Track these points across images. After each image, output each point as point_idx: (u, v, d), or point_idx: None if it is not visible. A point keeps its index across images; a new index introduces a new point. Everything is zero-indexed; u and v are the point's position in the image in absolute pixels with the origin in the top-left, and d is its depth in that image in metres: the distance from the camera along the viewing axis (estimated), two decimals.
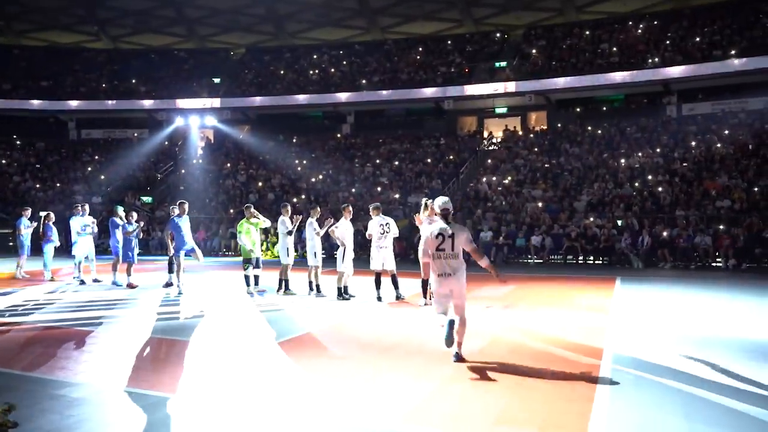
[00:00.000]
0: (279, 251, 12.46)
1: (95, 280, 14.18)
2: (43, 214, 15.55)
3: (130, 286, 13.23)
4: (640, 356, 6.65)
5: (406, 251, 21.28)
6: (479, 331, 8.16)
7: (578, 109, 33.33)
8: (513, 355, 6.79)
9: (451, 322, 6.34)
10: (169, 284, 13.14)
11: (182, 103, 37.25)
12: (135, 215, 14.23)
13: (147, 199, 31.15)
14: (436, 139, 33.02)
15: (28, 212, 15.86)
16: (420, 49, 38.89)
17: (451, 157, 30.09)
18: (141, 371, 6.27)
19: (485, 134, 34.05)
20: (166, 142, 37.21)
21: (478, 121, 35.62)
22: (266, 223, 12.86)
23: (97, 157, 35.42)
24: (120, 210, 14.19)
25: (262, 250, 12.57)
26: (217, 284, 14.16)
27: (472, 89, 33.36)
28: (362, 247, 16.24)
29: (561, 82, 31.69)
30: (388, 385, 5.68)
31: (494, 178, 26.68)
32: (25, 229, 15.45)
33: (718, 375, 5.93)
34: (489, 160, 29.38)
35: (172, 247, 12.61)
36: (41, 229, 14.90)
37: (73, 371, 6.25)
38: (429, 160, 30.03)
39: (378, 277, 11.19)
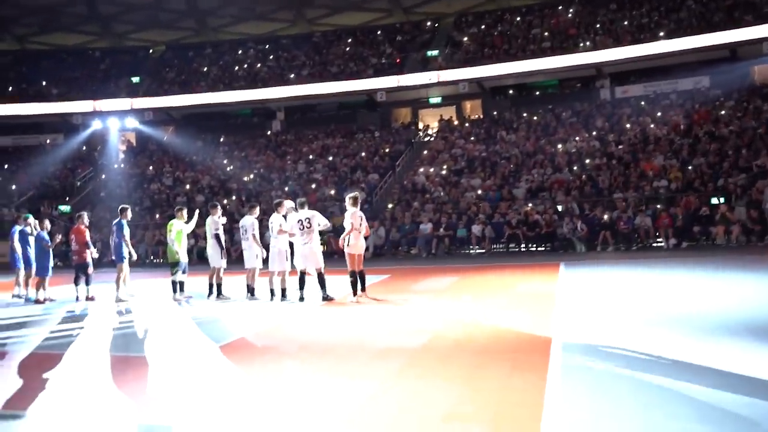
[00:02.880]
0: (210, 254, 11.51)
1: None
2: None
3: (44, 300, 11.87)
4: (590, 342, 6.39)
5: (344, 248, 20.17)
6: (422, 326, 7.86)
7: (512, 96, 32.96)
8: (459, 349, 6.46)
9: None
10: (90, 298, 11.79)
11: (100, 105, 35.01)
12: (48, 224, 12.94)
13: (65, 208, 28.95)
14: (371, 132, 32.09)
15: None
16: (349, 40, 37.81)
17: (387, 149, 29.19)
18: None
19: (420, 125, 33.33)
20: (84, 147, 35.04)
21: (413, 112, 34.87)
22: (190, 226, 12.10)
23: (6, 166, 32.90)
24: (31, 219, 12.81)
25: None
26: (146, 293, 12.96)
27: (404, 80, 32.48)
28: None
29: (494, 69, 31.15)
30: (330, 386, 5.27)
31: (431, 169, 25.90)
32: None
33: (670, 357, 5.64)
34: (425, 151, 28.63)
35: (131, 250, 11.84)
36: None
37: None
38: (364, 154, 29.03)
39: (302, 275, 10.32)
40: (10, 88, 36.25)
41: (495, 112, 31.39)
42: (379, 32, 38.02)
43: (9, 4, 35.03)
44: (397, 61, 34.30)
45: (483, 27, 35.39)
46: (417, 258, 19.28)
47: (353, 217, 10.22)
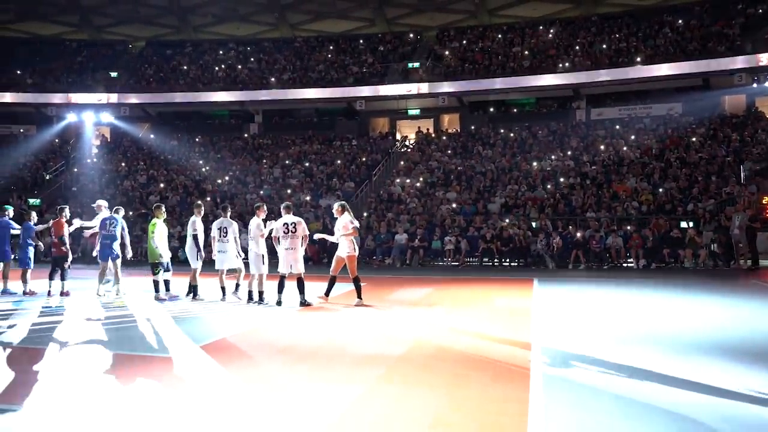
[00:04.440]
0: (188, 254, 11.39)
1: None
2: None
3: (31, 293, 11.69)
4: (568, 356, 6.49)
5: (319, 255, 20.18)
6: (400, 335, 7.80)
7: (490, 112, 33.37)
8: (439, 359, 6.44)
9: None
10: (64, 293, 11.60)
11: (75, 97, 34.44)
12: (35, 216, 12.75)
13: (34, 201, 28.33)
14: (348, 141, 32.14)
15: None
16: (331, 47, 37.90)
17: (364, 158, 29.25)
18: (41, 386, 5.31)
19: (398, 136, 33.48)
20: (57, 140, 34.47)
21: (391, 122, 35.04)
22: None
23: None
24: (11, 210, 12.55)
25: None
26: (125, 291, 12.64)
27: (384, 90, 32.68)
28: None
29: (474, 84, 31.54)
30: (312, 391, 5.24)
31: (408, 180, 26.02)
32: None
33: (647, 372, 5.74)
34: (402, 162, 28.75)
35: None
36: None
37: None
38: (340, 162, 29.05)
39: (282, 280, 10.30)
40: None
41: (473, 127, 31.74)
42: (361, 41, 38.18)
43: None
44: (379, 68, 34.44)
45: (465, 42, 35.82)
46: (391, 268, 19.29)
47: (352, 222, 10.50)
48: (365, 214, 23.33)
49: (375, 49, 36.96)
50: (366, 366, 6.11)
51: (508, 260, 19.84)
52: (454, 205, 22.73)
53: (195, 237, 11.21)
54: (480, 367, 6.05)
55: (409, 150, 31.08)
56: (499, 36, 35.49)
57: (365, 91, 32.88)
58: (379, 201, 24.42)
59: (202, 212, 11.66)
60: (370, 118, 34.94)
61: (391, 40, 37.66)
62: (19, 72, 35.89)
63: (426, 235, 20.44)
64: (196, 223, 11.29)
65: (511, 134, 29.62)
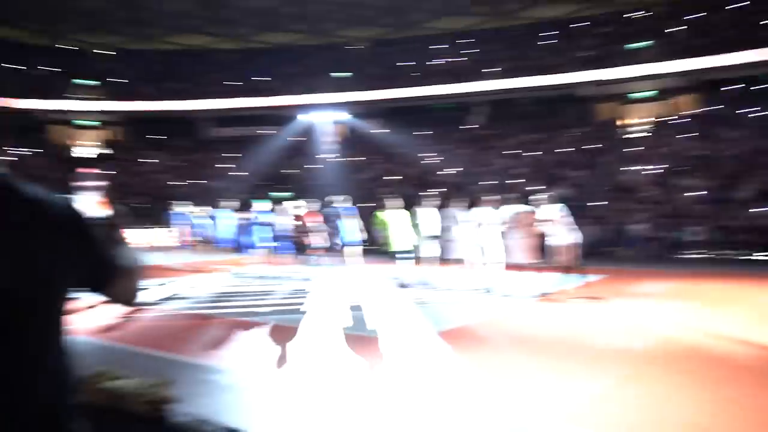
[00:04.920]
0: (413, 245, 11.98)
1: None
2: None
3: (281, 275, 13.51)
4: None
5: (543, 246, 20.07)
6: (642, 331, 7.52)
7: (734, 89, 30.28)
8: (689, 359, 6.08)
9: None
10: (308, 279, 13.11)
11: (309, 98, 37.64)
12: (281, 208, 15.22)
13: (281, 195, 31.52)
14: (572, 128, 31.32)
15: None
16: (549, 33, 37.07)
17: (590, 146, 28.33)
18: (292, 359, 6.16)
19: (627, 120, 31.85)
20: (295, 138, 37.85)
21: (618, 107, 33.39)
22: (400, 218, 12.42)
23: (230, 155, 36.56)
24: (258, 205, 14.74)
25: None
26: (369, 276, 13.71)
27: (609, 73, 31.28)
28: None
29: (712, 60, 28.94)
30: (551, 382, 5.28)
31: (642, 168, 24.71)
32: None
33: None
34: (633, 148, 27.35)
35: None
36: None
37: (223, 358, 6.30)
38: (565, 150, 28.46)
39: (511, 270, 10.70)
40: (233, 84, 40.25)
41: (713, 107, 29.09)
42: (580, 24, 36.80)
43: (231, 7, 38.44)
44: (602, 53, 33.03)
45: (699, 14, 32.85)
46: (630, 260, 18.54)
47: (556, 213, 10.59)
48: (597, 204, 22.64)
49: (596, 31, 35.43)
50: (607, 361, 6.02)
51: (762, 254, 18.06)
52: (696, 193, 21.19)
53: (422, 228, 11.75)
54: (739, 371, 5.60)
55: (641, 135, 29.44)
56: (741, 3, 32.04)
57: (588, 76, 31.77)
58: (612, 190, 23.53)
59: (432, 204, 12.14)
60: (595, 103, 33.67)
61: (615, 19, 35.79)
62: (260, 79, 40.07)
63: (665, 225, 19.36)
64: (423, 215, 11.80)
65: (760, 114, 26.70)
